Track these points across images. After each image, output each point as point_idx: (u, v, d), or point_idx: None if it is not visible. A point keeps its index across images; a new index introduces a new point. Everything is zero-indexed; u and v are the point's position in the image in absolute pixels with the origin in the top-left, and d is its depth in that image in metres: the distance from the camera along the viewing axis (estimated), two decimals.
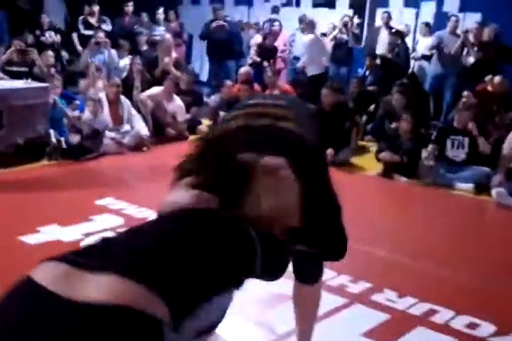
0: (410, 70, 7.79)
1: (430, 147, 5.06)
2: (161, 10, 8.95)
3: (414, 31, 8.72)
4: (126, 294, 0.99)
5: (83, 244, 3.21)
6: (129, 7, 8.67)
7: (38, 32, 8.21)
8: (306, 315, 2.00)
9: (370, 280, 2.98)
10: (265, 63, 8.16)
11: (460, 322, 2.61)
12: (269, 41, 8.41)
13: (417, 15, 8.91)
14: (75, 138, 5.44)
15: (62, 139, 5.35)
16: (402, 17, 8.89)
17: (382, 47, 7.97)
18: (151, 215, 3.74)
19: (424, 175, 5.00)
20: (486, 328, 2.58)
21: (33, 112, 5.07)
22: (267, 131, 1.42)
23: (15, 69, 6.44)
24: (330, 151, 5.45)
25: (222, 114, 6.14)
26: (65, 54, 8.40)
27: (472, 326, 2.59)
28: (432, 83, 7.31)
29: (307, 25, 8.10)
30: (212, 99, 6.85)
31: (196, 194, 1.22)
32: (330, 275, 2.95)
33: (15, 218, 3.67)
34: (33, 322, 1.00)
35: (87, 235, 3.39)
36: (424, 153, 5.10)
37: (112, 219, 3.73)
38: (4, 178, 4.54)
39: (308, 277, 1.89)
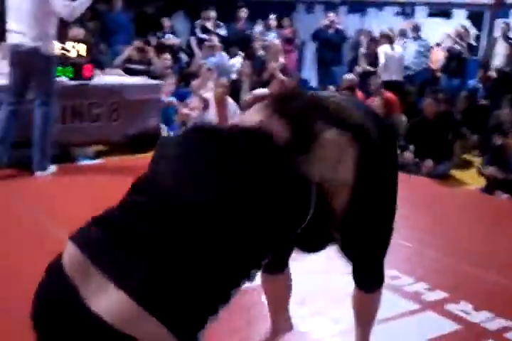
0: None
1: None
2: (272, 17, 9.24)
3: None
4: (138, 328, 0.99)
5: None
6: (243, 13, 9.04)
7: (159, 34, 8.86)
8: (359, 318, 1.98)
9: (447, 291, 2.95)
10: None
11: None
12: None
13: None
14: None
15: (172, 133, 5.77)
16: None
17: (498, 59, 7.69)
18: None
19: None
20: None
21: (145, 107, 5.49)
22: (346, 113, 1.40)
23: (133, 66, 7.00)
24: (428, 162, 5.38)
25: None
26: (184, 56, 8.98)
27: None
28: None
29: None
30: None
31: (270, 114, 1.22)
32: (407, 281, 2.97)
33: (118, 198, 4.05)
34: (51, 311, 1.08)
35: None
36: None
37: None
38: (117, 164, 5.02)
39: (363, 283, 1.85)
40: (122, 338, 0.99)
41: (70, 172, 4.61)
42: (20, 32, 4.22)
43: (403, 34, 8.46)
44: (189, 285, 1.03)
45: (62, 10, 4.25)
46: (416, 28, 8.26)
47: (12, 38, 4.31)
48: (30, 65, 4.26)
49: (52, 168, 4.51)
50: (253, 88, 7.08)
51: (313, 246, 1.41)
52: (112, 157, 5.24)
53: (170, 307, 1.01)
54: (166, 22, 8.99)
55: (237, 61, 7.72)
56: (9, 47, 4.37)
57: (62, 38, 5.24)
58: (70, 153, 5.01)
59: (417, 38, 8.32)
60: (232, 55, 8.03)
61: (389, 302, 2.31)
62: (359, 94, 6.56)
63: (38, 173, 4.42)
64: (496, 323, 2.67)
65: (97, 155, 5.22)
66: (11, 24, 4.29)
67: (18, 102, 4.40)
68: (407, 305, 2.76)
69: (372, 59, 8.15)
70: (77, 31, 7.37)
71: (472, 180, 5.29)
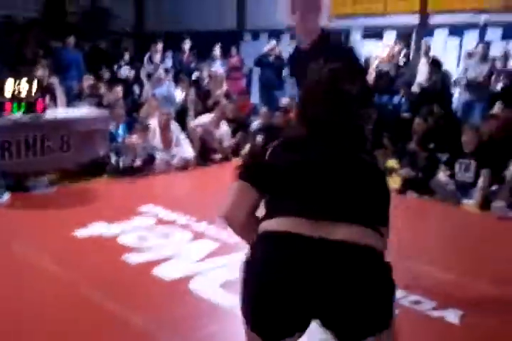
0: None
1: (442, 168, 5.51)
2: (217, 46, 9.89)
3: (458, 59, 9.13)
4: (373, 240, 1.51)
5: (120, 238, 4.09)
6: (187, 45, 9.67)
7: (115, 67, 9.43)
8: None
9: None
10: None
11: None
12: None
13: (461, 44, 9.31)
14: (130, 160, 6.35)
15: (121, 160, 6.28)
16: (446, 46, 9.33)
17: (420, 76, 8.46)
18: (178, 217, 4.62)
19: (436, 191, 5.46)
20: None
21: (94, 137, 6.03)
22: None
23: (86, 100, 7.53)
24: None
25: (259, 138, 6.90)
26: (137, 88, 9.56)
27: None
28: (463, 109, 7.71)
29: None
30: (254, 125, 7.62)
31: None
32: None
33: (73, 217, 4.59)
34: (308, 261, 1.47)
35: (124, 231, 4.24)
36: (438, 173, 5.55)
37: (146, 220, 4.57)
38: (71, 189, 5.55)
39: None
40: (365, 250, 1.50)
41: (27, 201, 5.08)
42: None
43: None
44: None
45: None
46: None
47: None
48: None
49: (6, 196, 4.95)
50: (198, 114, 7.69)
51: None
52: (64, 184, 5.72)
53: (372, 221, 1.57)
54: (126, 55, 9.56)
55: (181, 92, 8.34)
56: None
57: (16, 74, 5.75)
58: (24, 184, 5.44)
59: None
60: (179, 83, 8.62)
61: None
62: (291, 115, 7.19)
63: None
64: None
65: (51, 183, 5.68)
66: None
67: None
68: None
69: None
70: (31, 68, 7.91)
71: (394, 183, 5.93)
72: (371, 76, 8.86)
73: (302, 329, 1.57)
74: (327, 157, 1.62)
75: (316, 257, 1.48)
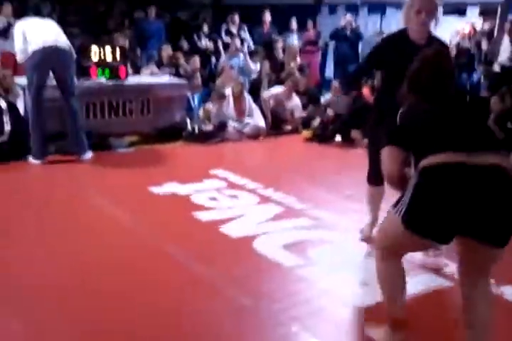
0: None
1: None
2: (293, 20, 9.91)
3: None
4: (505, 162, 2.06)
5: (192, 197, 4.36)
6: (267, 16, 9.77)
7: (195, 38, 9.69)
8: None
9: None
10: None
11: None
12: None
13: None
14: (206, 126, 6.62)
15: (196, 126, 6.57)
16: None
17: (503, 54, 8.16)
18: (246, 182, 4.83)
19: None
20: None
21: (173, 103, 6.32)
22: None
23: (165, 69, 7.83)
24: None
25: (330, 111, 6.95)
26: (213, 58, 9.79)
27: None
28: None
29: None
30: (324, 99, 7.66)
31: None
32: None
33: (149, 176, 4.92)
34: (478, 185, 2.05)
35: (196, 191, 4.51)
36: None
37: (217, 183, 4.81)
38: (148, 151, 5.89)
39: None
40: (504, 170, 2.04)
41: (109, 159, 5.47)
42: None
43: None
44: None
45: None
46: None
47: None
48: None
49: (90, 153, 5.35)
50: (272, 86, 7.82)
51: None
52: (143, 146, 6.07)
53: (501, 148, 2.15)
54: (205, 27, 9.82)
55: (256, 64, 8.48)
56: None
57: (100, 42, 6.09)
58: (106, 143, 5.85)
59: None
60: (254, 56, 8.76)
61: None
62: (365, 90, 7.17)
63: (82, 157, 5.29)
64: None
65: (131, 144, 6.07)
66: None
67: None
68: None
69: None
70: (117, 37, 8.29)
71: None
72: (451, 52, 8.66)
73: (451, 238, 2.14)
74: (454, 111, 2.23)
75: (473, 177, 2.04)
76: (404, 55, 2.69)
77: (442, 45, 3.18)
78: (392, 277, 2.33)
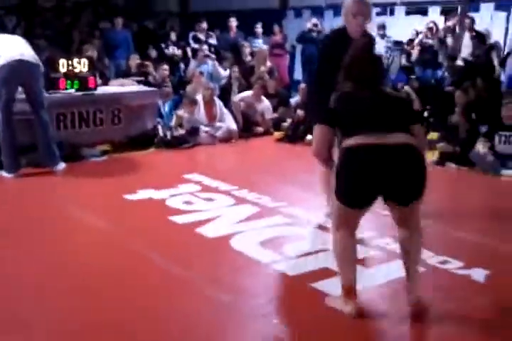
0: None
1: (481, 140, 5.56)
2: (259, 24, 10.03)
3: (505, 34, 8.96)
4: (410, 140, 2.51)
5: (167, 201, 4.39)
6: (233, 22, 9.86)
7: (162, 46, 9.74)
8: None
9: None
10: None
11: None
12: None
13: (508, 18, 9.11)
14: (177, 132, 6.65)
15: (168, 133, 6.60)
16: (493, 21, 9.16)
17: (465, 50, 8.39)
18: (221, 185, 4.87)
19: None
20: None
21: (144, 111, 6.36)
22: None
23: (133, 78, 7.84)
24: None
25: (300, 112, 7.05)
26: (182, 66, 9.85)
27: None
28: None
29: None
30: (293, 100, 7.77)
31: None
32: None
33: (123, 184, 4.95)
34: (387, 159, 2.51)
35: (172, 196, 4.55)
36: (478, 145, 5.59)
37: (192, 187, 4.85)
38: (121, 159, 5.91)
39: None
40: (408, 146, 2.51)
41: (82, 169, 5.46)
42: None
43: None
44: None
45: None
46: (382, 27, 9.02)
47: None
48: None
49: (62, 164, 5.33)
50: (242, 90, 7.90)
51: None
52: (115, 154, 6.08)
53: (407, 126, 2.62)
54: (172, 35, 9.85)
55: (226, 69, 8.57)
56: None
57: (68, 54, 6.07)
58: (78, 154, 5.83)
59: (384, 35, 9.09)
60: (222, 61, 8.84)
61: None
62: None
63: (54, 168, 5.27)
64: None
65: (103, 153, 6.07)
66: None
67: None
68: None
69: None
70: (86, 48, 8.28)
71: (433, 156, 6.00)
72: (415, 50, 8.87)
73: (372, 202, 2.61)
74: (375, 97, 2.65)
75: (383, 154, 2.50)
76: (344, 50, 2.94)
77: (370, 38, 3.73)
78: (344, 248, 2.65)
